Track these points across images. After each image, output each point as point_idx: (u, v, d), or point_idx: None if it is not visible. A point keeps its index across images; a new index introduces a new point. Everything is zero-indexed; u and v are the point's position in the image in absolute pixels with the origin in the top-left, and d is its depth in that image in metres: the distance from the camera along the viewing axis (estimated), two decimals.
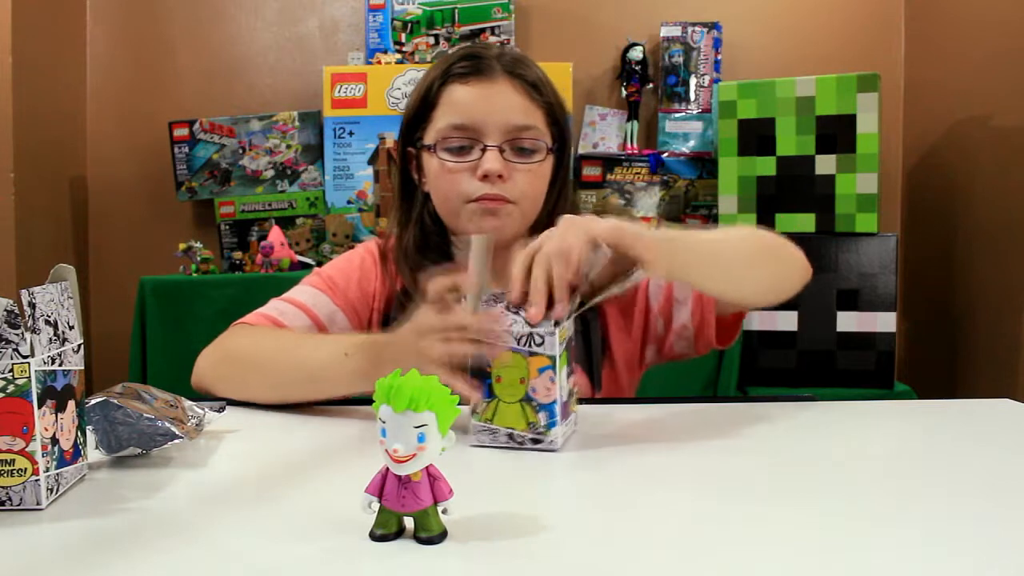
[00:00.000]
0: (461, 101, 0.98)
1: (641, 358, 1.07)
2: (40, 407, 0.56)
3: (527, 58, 1.04)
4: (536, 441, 0.72)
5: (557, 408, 0.71)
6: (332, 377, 0.86)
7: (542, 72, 1.02)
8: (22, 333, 0.55)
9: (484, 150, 0.96)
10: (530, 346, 0.71)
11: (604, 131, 2.44)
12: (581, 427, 0.79)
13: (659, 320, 1.03)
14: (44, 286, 0.59)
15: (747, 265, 0.91)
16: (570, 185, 1.07)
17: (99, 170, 2.52)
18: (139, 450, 0.68)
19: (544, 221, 1.03)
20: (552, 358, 0.71)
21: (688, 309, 0.99)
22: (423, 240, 1.04)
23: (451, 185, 0.98)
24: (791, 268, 0.97)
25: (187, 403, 0.76)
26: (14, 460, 0.56)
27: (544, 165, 1.00)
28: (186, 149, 2.39)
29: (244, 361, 0.95)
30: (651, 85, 2.42)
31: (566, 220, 0.77)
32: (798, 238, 0.98)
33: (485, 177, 0.96)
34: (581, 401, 0.79)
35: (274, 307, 1.02)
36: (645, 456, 0.72)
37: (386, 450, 0.48)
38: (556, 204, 1.04)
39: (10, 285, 2.12)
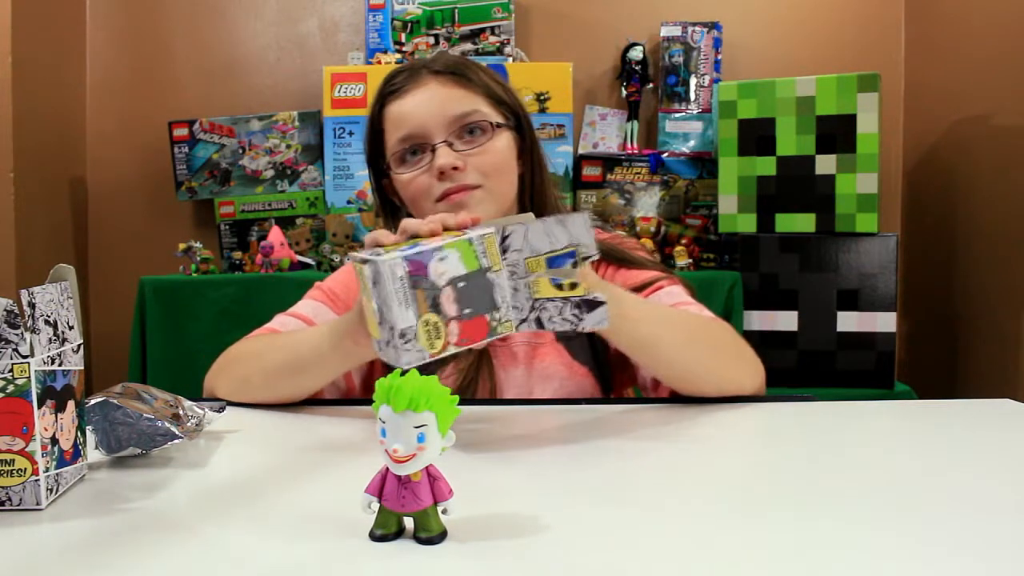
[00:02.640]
0: (399, 114, 1.00)
1: (623, 367, 1.07)
2: (40, 407, 0.56)
3: (462, 56, 1.06)
4: (365, 261, 0.67)
5: (414, 252, 0.66)
6: (315, 342, 0.87)
7: (476, 64, 1.05)
8: (22, 333, 0.55)
9: (434, 150, 0.98)
10: (464, 231, 0.71)
11: (604, 131, 2.44)
12: (582, 426, 0.79)
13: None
14: (44, 286, 0.59)
15: (686, 351, 0.89)
16: (544, 157, 1.08)
17: (99, 170, 2.52)
18: (139, 450, 0.68)
19: (528, 194, 1.04)
20: (464, 235, 0.68)
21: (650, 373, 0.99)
22: None
23: (416, 193, 1.00)
24: (732, 364, 0.94)
25: (187, 403, 0.76)
26: (14, 460, 0.56)
27: (497, 141, 1.00)
28: (186, 149, 2.39)
29: (242, 361, 0.96)
30: (651, 85, 2.42)
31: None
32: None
33: (442, 174, 0.97)
34: (588, 401, 0.79)
35: (278, 321, 1.04)
36: (645, 456, 0.72)
37: (386, 450, 0.48)
38: (533, 176, 1.05)
39: (10, 285, 2.11)
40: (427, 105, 0.99)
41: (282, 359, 0.91)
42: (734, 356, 0.94)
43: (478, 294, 0.68)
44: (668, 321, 0.90)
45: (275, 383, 0.91)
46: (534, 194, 1.05)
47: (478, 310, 0.68)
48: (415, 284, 0.66)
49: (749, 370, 0.94)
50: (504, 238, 0.69)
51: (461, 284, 0.67)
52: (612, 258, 1.05)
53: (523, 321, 0.71)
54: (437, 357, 0.68)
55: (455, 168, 0.96)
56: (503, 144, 1.01)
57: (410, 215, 1.05)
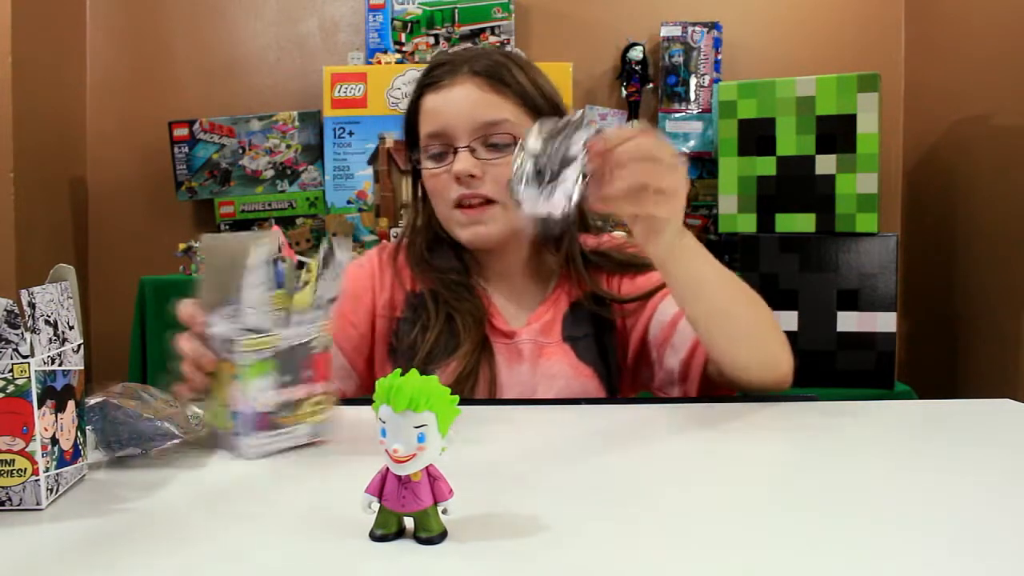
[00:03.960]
0: (432, 109, 1.00)
1: (636, 372, 1.07)
2: (40, 407, 0.56)
3: (506, 56, 1.03)
4: (235, 448, 0.69)
5: (243, 419, 0.68)
6: None
7: (518, 66, 1.02)
8: (22, 333, 0.55)
9: (456, 152, 0.97)
10: (226, 350, 0.69)
11: None
12: (582, 426, 0.79)
13: (653, 351, 1.02)
14: (44, 286, 0.59)
15: (737, 307, 0.88)
16: None
17: (99, 170, 2.52)
18: (139, 450, 0.68)
19: None
20: (239, 367, 0.68)
21: (680, 358, 0.97)
22: (435, 243, 1.06)
23: (436, 192, 1.00)
24: (772, 335, 0.93)
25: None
26: (14, 460, 0.56)
27: None
28: (186, 149, 2.39)
29: None
30: (651, 85, 2.42)
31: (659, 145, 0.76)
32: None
33: (459, 179, 0.96)
34: (588, 401, 0.78)
35: None
36: (645, 456, 0.72)
37: (386, 450, 0.48)
38: None
39: (10, 285, 2.11)
40: (457, 106, 0.98)
41: None
42: (774, 328, 0.92)
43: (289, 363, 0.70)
44: (720, 269, 0.88)
45: None
46: None
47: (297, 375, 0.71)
48: (266, 427, 0.69)
49: (787, 349, 0.92)
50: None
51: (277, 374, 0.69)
52: (621, 266, 1.05)
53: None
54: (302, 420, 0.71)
55: (472, 176, 0.96)
56: None
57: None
